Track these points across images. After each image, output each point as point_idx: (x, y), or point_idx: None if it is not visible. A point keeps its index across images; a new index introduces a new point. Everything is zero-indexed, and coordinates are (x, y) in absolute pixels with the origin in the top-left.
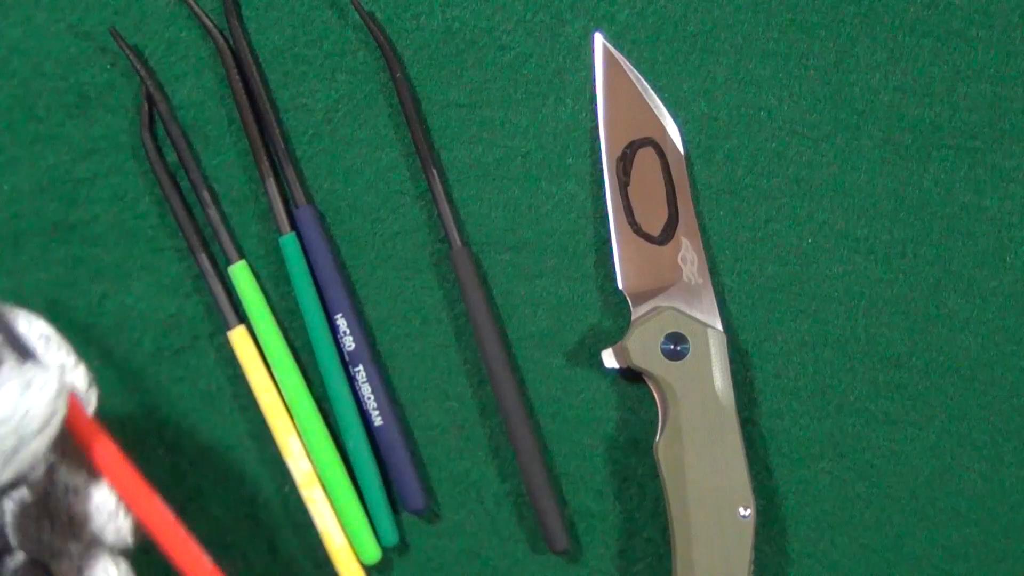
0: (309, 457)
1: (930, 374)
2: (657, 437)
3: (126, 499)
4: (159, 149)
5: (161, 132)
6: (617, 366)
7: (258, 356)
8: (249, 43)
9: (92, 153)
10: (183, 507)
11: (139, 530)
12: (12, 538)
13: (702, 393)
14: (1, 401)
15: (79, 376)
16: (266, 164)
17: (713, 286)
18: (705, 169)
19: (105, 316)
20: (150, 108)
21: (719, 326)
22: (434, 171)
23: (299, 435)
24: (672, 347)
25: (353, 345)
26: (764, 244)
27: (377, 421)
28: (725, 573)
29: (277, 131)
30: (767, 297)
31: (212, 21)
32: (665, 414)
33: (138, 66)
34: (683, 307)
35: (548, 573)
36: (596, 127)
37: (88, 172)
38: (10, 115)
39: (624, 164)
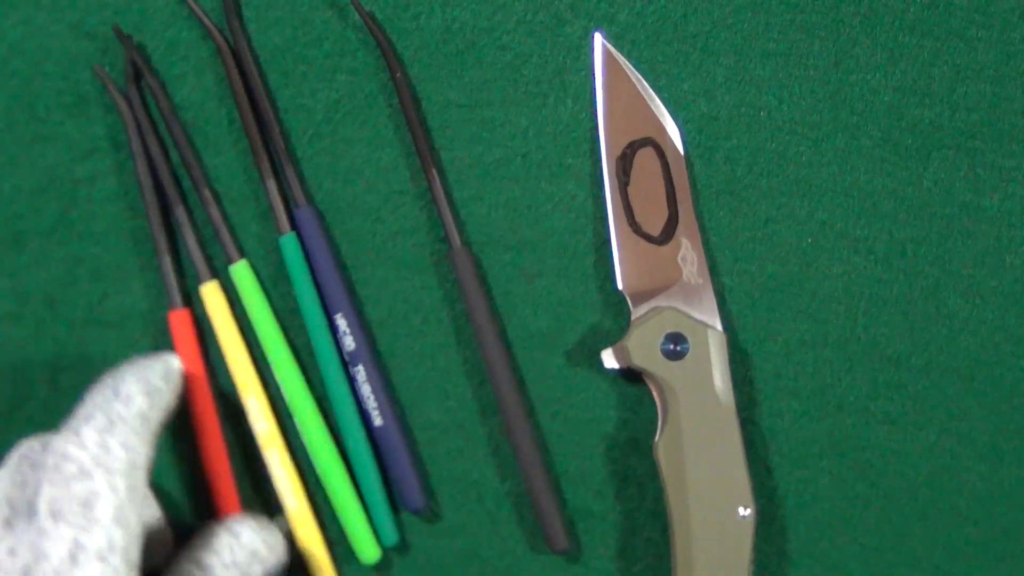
0: (276, 416)
1: (930, 374)
2: (657, 437)
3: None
4: (144, 103)
5: (160, 130)
6: (617, 366)
7: (229, 312)
8: (249, 43)
9: (92, 153)
10: (182, 504)
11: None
12: None
13: (702, 393)
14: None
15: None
16: (266, 164)
17: (713, 286)
18: (705, 169)
19: (105, 316)
20: (136, 74)
21: (719, 326)
22: (434, 171)
23: (264, 394)
24: (672, 347)
25: (353, 345)
26: (764, 244)
27: (377, 421)
28: (725, 573)
29: (277, 131)
30: (767, 297)
31: (212, 21)
32: (665, 414)
33: (140, 65)
34: (683, 307)
35: (548, 573)
36: (596, 127)
37: (88, 172)
38: (10, 115)
39: (624, 164)
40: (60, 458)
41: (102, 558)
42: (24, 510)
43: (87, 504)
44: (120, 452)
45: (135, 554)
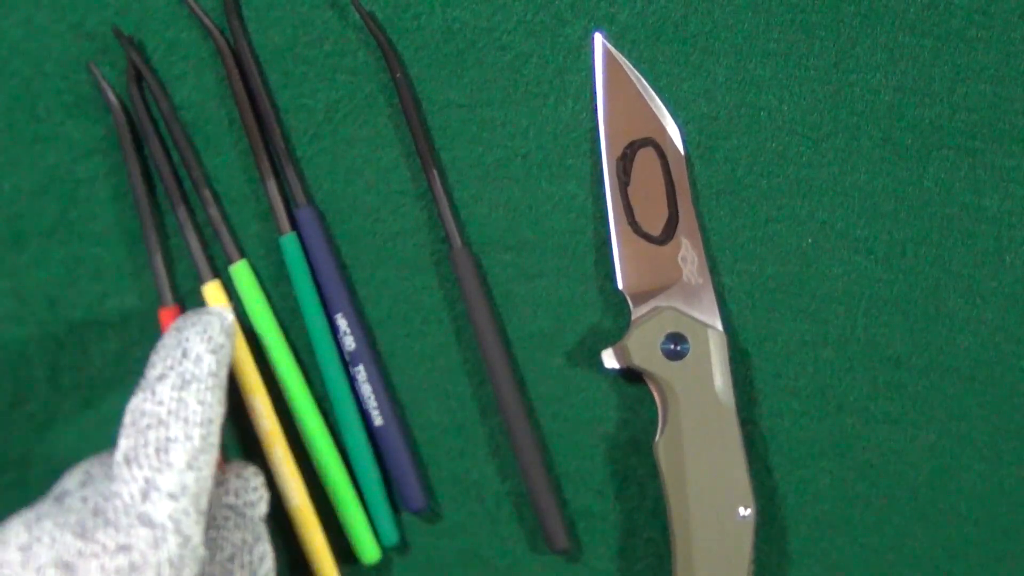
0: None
1: (930, 374)
2: (657, 437)
3: None
4: (145, 103)
5: (157, 126)
6: (617, 366)
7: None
8: (249, 43)
9: (92, 153)
10: None
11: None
12: None
13: (702, 393)
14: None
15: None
16: (266, 164)
17: (713, 286)
18: (705, 169)
19: (105, 316)
20: (138, 77)
21: (719, 326)
22: (434, 171)
23: (266, 393)
24: (672, 347)
25: (353, 345)
26: (764, 244)
27: (377, 421)
28: (725, 573)
29: (277, 131)
30: (767, 297)
31: (212, 21)
32: (665, 414)
33: (140, 65)
34: (683, 307)
35: (548, 573)
36: (596, 127)
37: (88, 172)
38: (10, 115)
39: (624, 164)
40: (137, 415)
41: (173, 497)
42: (101, 475)
43: (162, 449)
44: (196, 406)
45: (204, 503)
